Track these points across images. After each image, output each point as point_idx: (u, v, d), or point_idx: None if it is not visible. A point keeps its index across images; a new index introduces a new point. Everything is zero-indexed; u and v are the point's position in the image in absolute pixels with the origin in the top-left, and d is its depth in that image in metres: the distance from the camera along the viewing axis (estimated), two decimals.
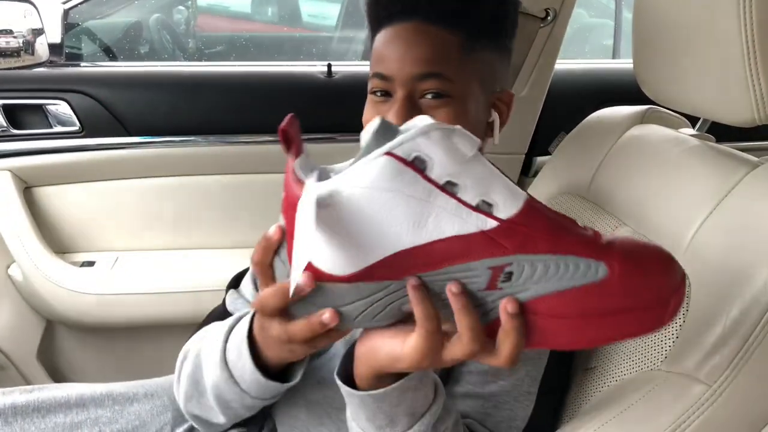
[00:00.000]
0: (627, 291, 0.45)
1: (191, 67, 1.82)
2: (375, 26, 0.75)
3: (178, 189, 1.43)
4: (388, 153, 0.45)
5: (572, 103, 1.46)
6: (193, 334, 0.75)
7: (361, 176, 0.45)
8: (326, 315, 0.48)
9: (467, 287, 0.46)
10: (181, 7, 2.31)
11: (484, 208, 0.44)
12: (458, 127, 0.46)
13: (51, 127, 1.35)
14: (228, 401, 0.65)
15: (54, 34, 1.40)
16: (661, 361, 0.70)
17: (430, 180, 0.44)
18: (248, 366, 0.61)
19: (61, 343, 1.42)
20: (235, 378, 0.63)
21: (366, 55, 1.86)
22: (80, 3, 1.54)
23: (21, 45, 1.35)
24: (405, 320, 0.49)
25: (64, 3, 1.49)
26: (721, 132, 0.88)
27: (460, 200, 0.44)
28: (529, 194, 0.46)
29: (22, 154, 1.34)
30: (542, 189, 1.04)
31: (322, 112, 1.44)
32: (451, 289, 0.45)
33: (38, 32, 1.36)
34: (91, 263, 1.40)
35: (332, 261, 0.47)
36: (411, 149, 0.45)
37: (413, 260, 0.45)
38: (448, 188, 0.45)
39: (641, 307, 0.45)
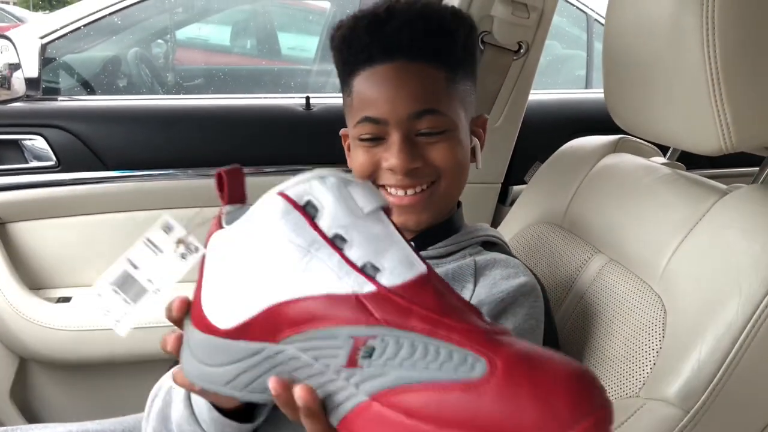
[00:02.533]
0: (505, 400, 0.34)
1: (170, 100, 1.82)
2: (350, 69, 0.74)
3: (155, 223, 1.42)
4: (281, 192, 0.42)
5: (547, 132, 1.49)
6: (169, 369, 0.74)
7: (252, 215, 0.43)
8: (177, 374, 0.46)
9: (322, 368, 0.39)
10: (159, 41, 2.31)
11: (368, 271, 0.40)
12: (365, 181, 0.43)
13: (27, 162, 1.34)
14: None
15: (31, 68, 1.39)
16: (639, 388, 0.70)
17: (317, 228, 0.41)
18: (203, 403, 0.59)
19: (35, 382, 1.39)
20: (195, 415, 0.61)
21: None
22: (58, 38, 1.54)
23: None
24: None
25: (41, 38, 1.49)
26: (692, 160, 0.90)
27: (344, 257, 0.40)
28: (430, 270, 0.41)
29: None
30: (519, 218, 1.05)
31: (301, 145, 1.45)
32: (298, 394, 0.39)
33: (15, 67, 1.35)
34: (67, 299, 1.38)
35: (218, 311, 0.44)
36: (304, 192, 0.42)
37: (284, 317, 0.40)
38: (336, 242, 0.40)
39: (517, 428, 0.34)
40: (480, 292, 0.69)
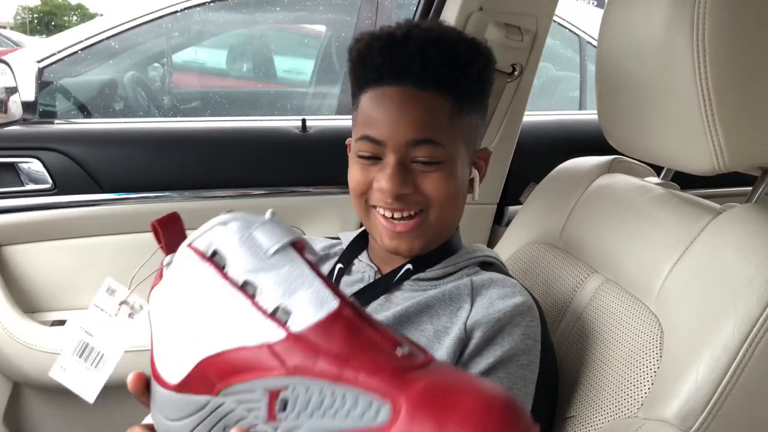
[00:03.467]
0: None
1: (166, 123, 1.83)
2: (360, 85, 0.75)
3: (152, 246, 1.41)
4: (189, 245, 0.41)
5: (542, 153, 1.50)
6: None
7: (172, 270, 0.42)
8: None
9: (254, 420, 0.38)
10: (156, 64, 2.33)
11: (280, 317, 0.38)
12: (266, 218, 0.42)
13: (23, 185, 1.34)
14: None
15: (28, 92, 1.40)
16: (637, 409, 0.70)
17: (227, 278, 0.39)
18: None
19: (29, 406, 1.37)
20: None
21: (341, 109, 1.89)
22: (55, 62, 1.55)
23: None
24: None
25: (38, 61, 1.50)
26: (685, 179, 0.91)
27: (255, 304, 0.38)
28: (342, 304, 0.39)
29: None
30: (515, 238, 1.06)
31: (297, 166, 1.46)
32: None
33: (12, 90, 1.36)
34: (62, 322, 1.37)
35: (166, 365, 0.43)
36: (210, 242, 0.41)
37: (212, 371, 0.39)
38: (247, 289, 0.39)
39: None
40: (476, 312, 0.70)
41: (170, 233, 0.47)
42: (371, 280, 0.78)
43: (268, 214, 0.43)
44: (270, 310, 0.38)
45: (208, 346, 0.40)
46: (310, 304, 0.38)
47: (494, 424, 0.32)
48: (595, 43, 2.15)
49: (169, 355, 0.43)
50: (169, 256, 0.45)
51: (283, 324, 0.38)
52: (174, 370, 0.42)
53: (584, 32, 2.33)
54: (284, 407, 0.36)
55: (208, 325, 0.40)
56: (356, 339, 0.37)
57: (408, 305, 0.72)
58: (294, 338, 0.37)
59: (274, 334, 0.37)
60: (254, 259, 0.40)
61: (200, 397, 0.41)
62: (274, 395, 0.37)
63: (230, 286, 0.39)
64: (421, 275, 0.76)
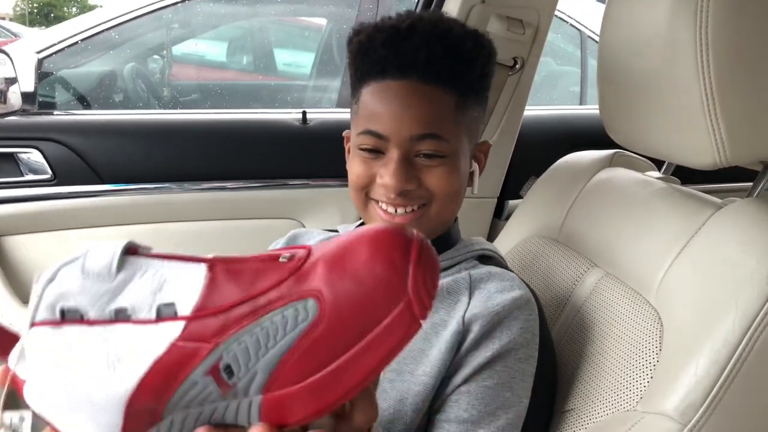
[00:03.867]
0: (347, 316, 0.36)
1: (166, 114, 1.83)
2: (362, 77, 0.74)
3: (152, 236, 1.41)
4: (33, 324, 0.38)
5: (542, 147, 1.50)
6: None
7: (29, 365, 0.39)
8: None
9: (211, 406, 0.38)
10: (155, 56, 2.32)
11: (167, 314, 0.37)
12: (89, 247, 0.39)
13: (22, 175, 1.34)
14: None
15: (27, 82, 1.39)
16: (636, 402, 0.70)
17: (95, 322, 0.37)
18: None
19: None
20: None
21: (341, 103, 1.88)
22: (54, 52, 1.54)
23: None
24: None
25: (38, 52, 1.49)
26: (686, 174, 0.91)
27: (136, 322, 0.37)
28: (214, 259, 0.38)
29: None
30: (515, 232, 1.06)
31: (297, 159, 1.45)
32: None
33: (11, 81, 1.36)
34: None
35: None
36: (51, 304, 0.38)
37: (144, 405, 0.37)
38: (120, 316, 0.37)
39: (375, 322, 0.36)
40: (475, 306, 0.69)
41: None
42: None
43: (41, 278, 0.39)
44: (153, 316, 0.37)
45: (122, 388, 0.37)
46: (183, 284, 0.37)
47: (386, 234, 0.37)
48: (596, 38, 2.15)
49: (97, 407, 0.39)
50: (15, 354, 0.41)
51: (174, 317, 0.37)
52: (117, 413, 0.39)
53: (585, 27, 2.32)
54: (231, 372, 0.37)
55: (106, 376, 0.37)
56: (242, 276, 0.38)
57: None
58: (193, 318, 0.37)
59: (174, 330, 0.37)
60: (105, 288, 0.37)
61: None
62: (215, 370, 0.37)
63: (103, 326, 0.37)
64: None
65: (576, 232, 0.93)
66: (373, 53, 0.72)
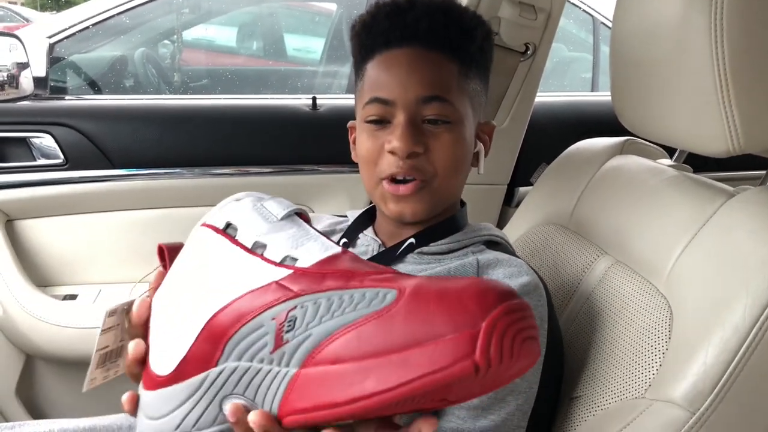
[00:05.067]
0: (414, 314, 0.36)
1: (176, 100, 1.83)
2: (366, 53, 0.75)
3: (162, 221, 1.42)
4: (203, 223, 0.46)
5: (553, 134, 1.49)
6: None
7: (183, 252, 0.47)
8: None
9: (258, 365, 0.41)
10: (166, 41, 2.32)
11: (287, 263, 0.43)
12: (272, 197, 0.47)
13: (35, 159, 1.35)
14: None
15: (39, 67, 1.40)
16: (645, 390, 0.70)
17: (237, 243, 0.44)
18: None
19: (41, 379, 1.39)
20: None
21: (351, 88, 1.88)
22: (66, 37, 1.55)
23: (5, 78, 1.35)
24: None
25: (49, 37, 1.50)
26: (699, 162, 0.90)
27: (264, 258, 0.43)
28: (345, 251, 0.44)
29: (5, 187, 1.34)
30: (525, 219, 1.05)
31: (307, 144, 1.46)
32: (253, 419, 0.40)
33: (23, 66, 1.36)
34: (73, 296, 1.38)
35: (160, 359, 0.46)
36: (224, 217, 0.46)
37: (217, 328, 0.42)
38: (256, 249, 0.44)
39: (433, 336, 0.34)
40: None
41: (174, 258, 0.50)
42: (375, 253, 0.79)
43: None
44: (278, 260, 0.43)
45: (213, 305, 0.43)
46: (315, 251, 0.43)
47: (485, 287, 0.36)
48: (609, 23, 2.12)
49: (165, 345, 0.45)
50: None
51: (290, 266, 0.42)
52: (168, 360, 0.44)
53: (598, 12, 2.30)
54: (292, 326, 0.39)
55: (214, 287, 0.43)
56: (359, 264, 0.42)
57: None
58: (301, 270, 0.42)
59: (281, 273, 0.42)
60: (264, 224, 0.45)
61: (194, 378, 0.43)
62: (281, 320, 0.40)
63: (240, 249, 0.44)
64: (425, 249, 0.75)
65: (586, 219, 0.93)
66: (377, 27, 0.74)
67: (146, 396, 0.47)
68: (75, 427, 0.83)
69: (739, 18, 0.67)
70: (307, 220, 0.48)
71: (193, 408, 0.44)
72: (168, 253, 0.51)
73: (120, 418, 0.86)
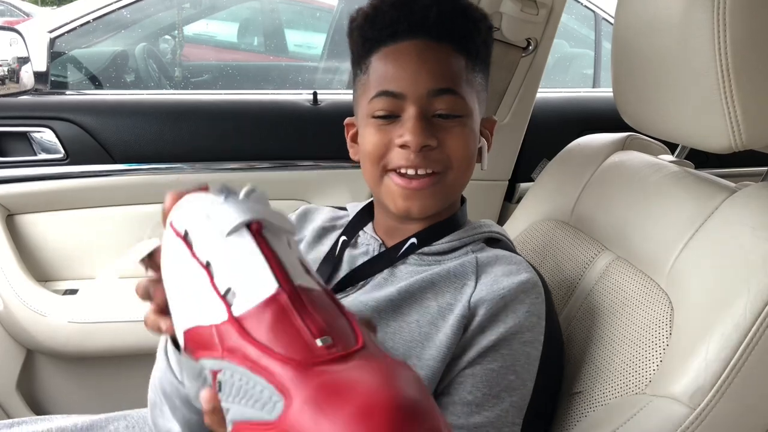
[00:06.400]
0: None
1: (177, 95, 1.83)
2: (371, 46, 0.73)
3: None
4: (169, 223, 0.43)
5: (554, 130, 1.49)
6: None
7: (164, 245, 0.45)
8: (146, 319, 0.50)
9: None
10: (167, 36, 2.32)
11: (229, 298, 0.39)
12: (235, 195, 0.43)
13: (35, 154, 1.35)
14: (169, 395, 0.62)
15: (40, 62, 1.40)
16: (645, 385, 0.70)
17: (195, 257, 0.41)
18: (171, 347, 0.58)
19: (42, 374, 1.40)
20: (170, 364, 0.60)
21: (351, 84, 1.87)
22: (66, 32, 1.55)
23: (6, 73, 1.35)
24: None
25: (50, 32, 1.50)
26: (700, 158, 0.90)
27: (213, 284, 0.40)
28: (283, 287, 0.39)
29: (6, 182, 1.33)
30: (526, 215, 1.05)
31: (308, 140, 1.45)
32: (203, 395, 0.42)
33: (24, 60, 1.36)
34: (74, 291, 1.38)
35: (174, 326, 0.45)
36: (183, 220, 0.43)
37: (190, 343, 0.41)
38: (210, 268, 0.40)
39: None
40: (481, 290, 0.69)
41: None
42: (376, 253, 0.78)
43: (242, 192, 0.44)
44: (223, 290, 0.39)
45: (186, 319, 0.42)
46: (251, 288, 0.39)
47: (367, 427, 0.31)
48: (610, 19, 2.12)
49: (173, 315, 0.45)
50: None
51: (229, 306, 0.39)
52: (178, 331, 0.44)
53: (600, 8, 2.29)
54: (220, 388, 0.38)
55: (184, 300, 0.42)
56: (280, 326, 0.37)
57: (412, 281, 0.71)
58: (232, 321, 0.38)
59: (220, 314, 0.39)
60: (213, 240, 0.41)
61: (199, 361, 0.42)
62: (215, 375, 0.38)
63: (197, 265, 0.41)
64: (426, 249, 0.75)
65: (587, 215, 0.93)
66: (382, 18, 0.72)
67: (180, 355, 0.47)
68: (73, 424, 0.83)
69: (742, 13, 0.67)
70: (259, 228, 0.42)
71: (203, 386, 0.43)
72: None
73: (118, 417, 0.86)
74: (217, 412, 0.41)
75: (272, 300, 0.38)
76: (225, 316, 0.38)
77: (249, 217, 0.41)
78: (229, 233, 0.40)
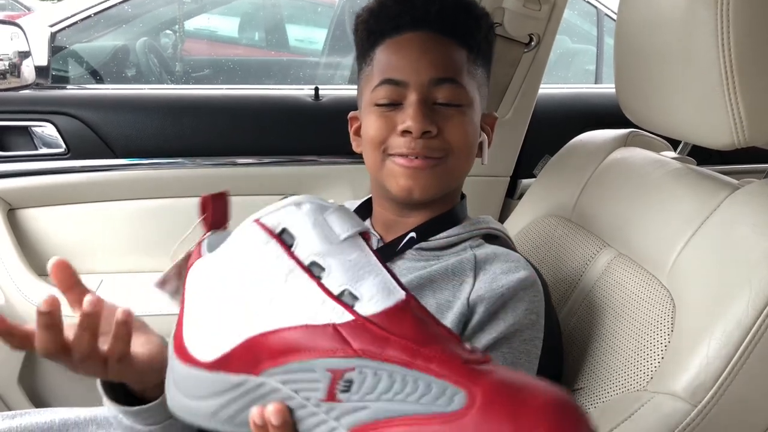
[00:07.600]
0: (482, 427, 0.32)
1: (178, 90, 1.82)
2: (375, 39, 0.75)
3: (164, 211, 1.42)
4: (257, 221, 0.42)
5: (556, 126, 1.48)
6: None
7: (230, 245, 0.43)
8: None
9: (302, 401, 0.38)
10: (168, 31, 2.32)
11: (346, 300, 0.38)
12: (340, 205, 0.43)
13: (37, 149, 1.35)
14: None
15: (41, 56, 1.40)
16: (647, 382, 0.70)
17: (293, 257, 0.40)
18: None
19: (43, 368, 1.40)
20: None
21: (353, 79, 1.87)
22: (67, 26, 1.54)
23: (7, 67, 1.34)
24: None
25: (51, 26, 1.49)
26: (703, 155, 0.89)
27: (321, 285, 0.39)
28: (409, 296, 0.40)
29: (7, 176, 1.33)
30: (527, 211, 1.05)
31: (309, 135, 1.45)
32: (271, 409, 0.39)
33: (25, 55, 1.36)
34: None
35: (199, 343, 0.43)
36: (279, 220, 0.41)
37: (263, 349, 0.39)
38: (313, 270, 0.40)
39: None
40: (479, 287, 0.69)
41: (217, 210, 0.49)
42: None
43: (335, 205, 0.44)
44: (336, 292, 0.39)
45: (261, 323, 0.40)
46: (378, 292, 0.39)
47: (563, 422, 0.33)
48: (613, 15, 2.11)
49: (206, 332, 0.43)
50: (210, 233, 0.47)
51: (350, 307, 0.38)
52: (210, 348, 0.42)
53: (602, 4, 2.29)
54: (348, 388, 0.36)
55: (264, 302, 0.40)
56: (424, 329, 0.37)
57: (410, 278, 0.71)
58: (363, 321, 0.37)
59: (340, 315, 0.38)
60: (324, 243, 0.40)
61: (236, 376, 0.41)
62: (337, 376, 0.37)
63: (296, 266, 0.40)
64: (424, 245, 0.75)
65: (589, 211, 0.92)
66: (386, 12, 0.75)
67: (181, 369, 0.45)
68: (76, 417, 0.83)
69: (745, 10, 0.67)
70: (368, 239, 0.43)
71: (229, 404, 0.42)
72: (213, 206, 0.49)
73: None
74: (288, 426, 0.39)
75: (406, 305, 0.38)
76: (349, 317, 0.37)
77: (362, 226, 0.42)
78: (346, 238, 0.41)
